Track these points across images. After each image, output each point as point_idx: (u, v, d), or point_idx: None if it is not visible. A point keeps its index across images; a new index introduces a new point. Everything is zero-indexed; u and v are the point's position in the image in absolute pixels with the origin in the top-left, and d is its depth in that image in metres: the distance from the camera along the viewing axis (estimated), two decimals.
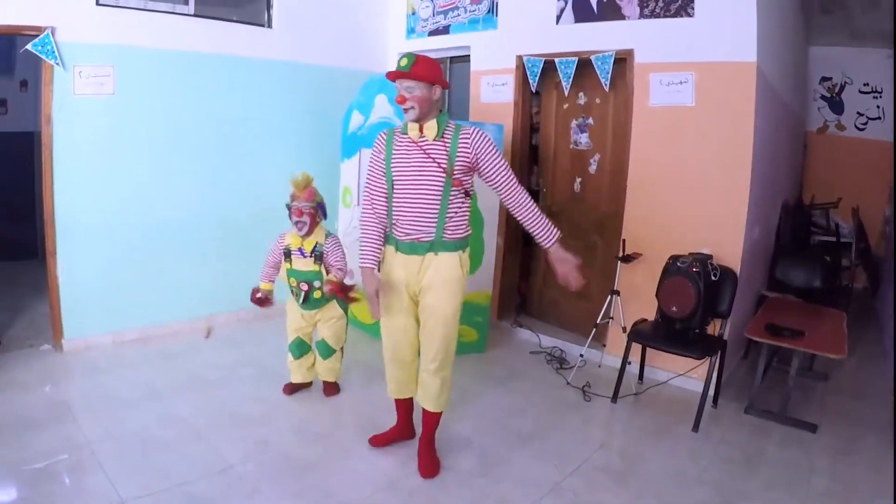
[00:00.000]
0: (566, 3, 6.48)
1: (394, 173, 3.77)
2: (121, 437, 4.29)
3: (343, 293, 4.53)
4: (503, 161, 3.80)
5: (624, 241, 6.03)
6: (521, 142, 7.12)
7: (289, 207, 4.72)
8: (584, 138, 6.72)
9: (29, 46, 5.37)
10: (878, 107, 10.37)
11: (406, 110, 3.65)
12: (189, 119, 6.43)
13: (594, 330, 5.93)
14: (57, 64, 5.50)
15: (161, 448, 4.18)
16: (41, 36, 5.38)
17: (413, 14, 8.06)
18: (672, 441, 4.79)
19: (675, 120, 5.80)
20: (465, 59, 7.61)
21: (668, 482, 4.16)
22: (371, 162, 3.91)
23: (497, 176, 3.78)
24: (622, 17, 6.09)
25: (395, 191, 3.78)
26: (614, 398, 5.47)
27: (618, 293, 5.90)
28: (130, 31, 5.96)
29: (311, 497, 3.78)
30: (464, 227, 3.95)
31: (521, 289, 7.62)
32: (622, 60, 6.09)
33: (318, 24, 7.47)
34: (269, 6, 7.08)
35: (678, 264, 5.28)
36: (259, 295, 4.87)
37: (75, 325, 5.89)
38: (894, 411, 2.78)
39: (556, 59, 6.46)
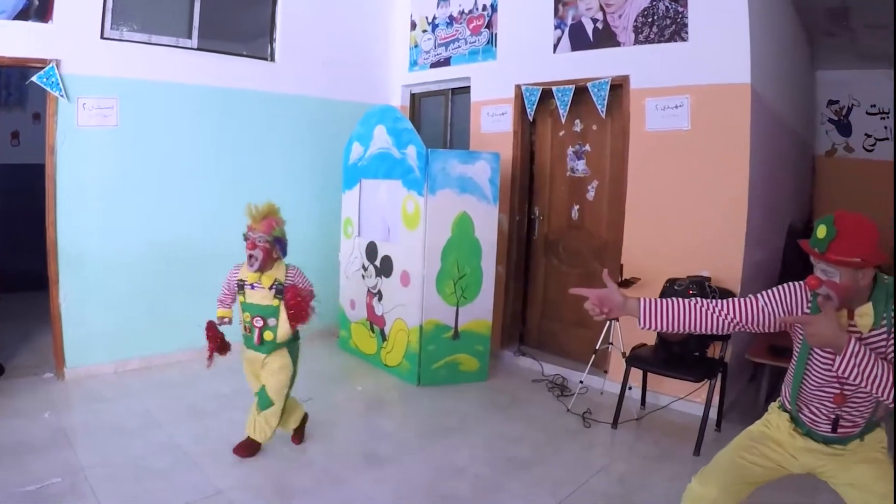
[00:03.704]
0: (563, 32, 6.56)
1: None
2: (116, 463, 4.31)
3: (297, 299, 4.39)
4: None
5: (622, 265, 6.05)
6: (521, 170, 7.15)
7: (245, 238, 4.38)
8: (580, 165, 6.75)
9: (34, 78, 5.49)
10: (885, 127, 10.30)
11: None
12: (192, 151, 6.52)
13: (594, 356, 5.91)
14: (61, 96, 5.60)
15: (154, 475, 4.19)
16: (46, 68, 5.50)
17: (416, 47, 8.16)
18: (673, 465, 4.73)
19: (672, 144, 5.83)
20: (466, 90, 7.68)
21: None
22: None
23: None
24: (618, 44, 6.16)
25: None
26: (615, 424, 5.43)
27: (617, 319, 5.87)
28: (134, 64, 6.08)
29: None
30: None
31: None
32: (618, 87, 6.15)
33: (321, 58, 7.56)
34: (272, 40, 7.18)
35: (675, 287, 5.28)
36: (218, 324, 4.54)
37: (78, 353, 5.94)
38: (894, 419, 2.76)
39: (554, 87, 6.52)
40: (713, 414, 5.22)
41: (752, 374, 6.48)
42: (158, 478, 4.16)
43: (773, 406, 3.08)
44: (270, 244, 4.37)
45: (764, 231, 6.28)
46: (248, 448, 4.55)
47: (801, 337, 2.78)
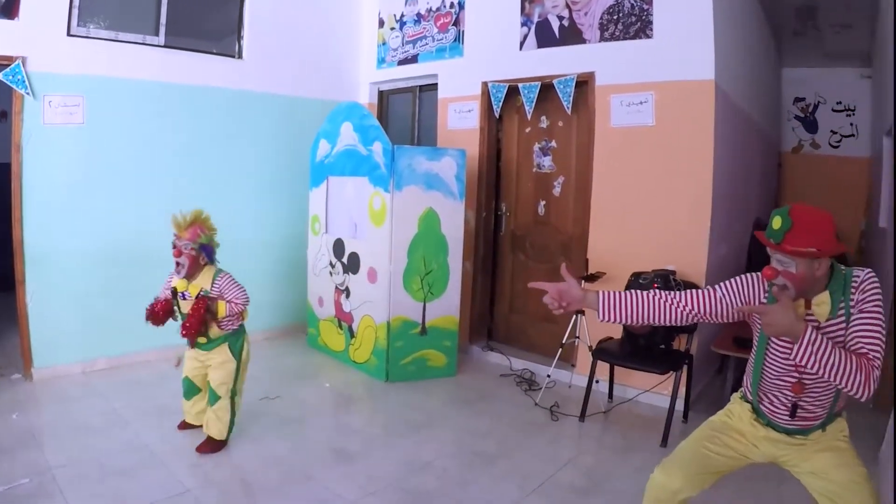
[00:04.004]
0: (529, 30, 6.59)
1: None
2: (83, 463, 4.28)
3: (199, 309, 4.32)
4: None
5: (587, 260, 6.11)
6: (488, 167, 7.18)
7: (173, 246, 4.38)
8: (547, 161, 6.79)
9: (0, 76, 5.44)
10: (851, 124, 10.46)
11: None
12: (160, 149, 6.47)
13: (560, 350, 5.95)
14: (27, 93, 5.55)
15: (121, 474, 4.16)
16: (12, 65, 5.45)
17: (383, 44, 8.16)
18: (640, 456, 4.77)
19: (637, 140, 5.89)
20: (434, 87, 7.71)
21: (635, 497, 4.09)
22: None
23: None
24: (583, 42, 6.20)
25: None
26: (582, 417, 5.47)
27: (583, 312, 5.91)
28: (101, 61, 6.03)
29: None
30: None
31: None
32: (584, 83, 6.20)
33: (289, 55, 7.55)
34: (239, 37, 7.16)
35: (640, 281, 5.33)
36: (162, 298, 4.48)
37: (45, 354, 5.89)
38: (894, 413, 2.77)
39: (520, 84, 6.56)
40: (680, 406, 5.27)
41: (720, 366, 6.54)
42: (126, 477, 4.13)
43: (736, 396, 3.12)
44: (196, 251, 4.38)
45: (729, 226, 6.35)
46: (209, 445, 4.57)
47: (759, 327, 2.82)
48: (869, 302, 2.55)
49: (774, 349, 2.77)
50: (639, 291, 2.88)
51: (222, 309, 4.41)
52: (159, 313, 4.42)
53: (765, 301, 2.73)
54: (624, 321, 2.87)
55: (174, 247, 4.36)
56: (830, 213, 2.58)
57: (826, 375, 2.42)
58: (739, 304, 2.78)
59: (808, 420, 2.79)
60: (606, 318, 2.85)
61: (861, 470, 2.72)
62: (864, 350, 2.48)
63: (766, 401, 2.87)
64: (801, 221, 2.52)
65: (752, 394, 2.94)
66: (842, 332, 2.59)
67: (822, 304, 2.62)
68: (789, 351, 2.55)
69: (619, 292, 2.87)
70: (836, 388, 2.69)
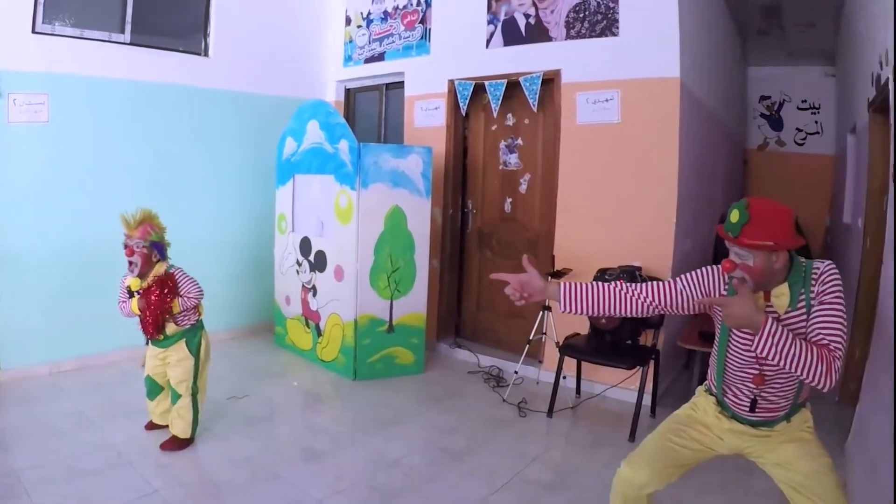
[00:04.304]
0: (496, 28, 6.60)
1: None
2: (50, 464, 4.22)
3: (156, 295, 4.31)
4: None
5: (554, 256, 6.14)
6: (454, 164, 7.20)
7: (124, 246, 4.36)
8: (513, 158, 6.81)
9: None
10: (816, 122, 10.59)
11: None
12: (126, 147, 6.40)
13: (527, 346, 5.96)
14: None
15: (88, 475, 4.12)
16: None
17: (350, 42, 8.15)
18: (608, 451, 4.79)
19: (603, 137, 5.92)
20: (400, 85, 7.70)
21: (603, 492, 4.10)
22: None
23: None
24: (549, 39, 6.22)
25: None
26: (550, 413, 5.49)
27: (549, 309, 5.94)
28: (66, 59, 5.95)
29: None
30: None
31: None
32: (550, 81, 6.22)
33: (256, 53, 7.50)
34: (206, 35, 7.10)
35: (606, 277, 5.36)
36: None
37: (12, 355, 5.80)
38: (894, 412, 2.79)
39: (486, 82, 6.57)
40: (647, 401, 5.31)
41: (686, 360, 6.58)
42: (93, 478, 4.09)
43: (700, 390, 3.14)
44: (148, 249, 4.36)
45: (695, 222, 6.39)
46: (174, 443, 4.56)
47: (720, 320, 2.83)
48: (829, 293, 2.56)
49: (736, 341, 2.79)
50: (601, 283, 2.89)
51: (176, 305, 4.40)
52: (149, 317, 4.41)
53: (725, 293, 2.75)
54: (585, 312, 2.88)
55: (125, 246, 4.34)
56: (789, 207, 2.59)
57: (786, 366, 2.44)
58: (700, 296, 2.81)
59: (771, 411, 2.80)
60: (568, 310, 2.86)
61: (826, 460, 2.74)
62: (826, 341, 2.49)
63: (730, 393, 2.89)
64: (759, 215, 2.53)
65: (716, 386, 2.96)
66: (802, 324, 2.61)
67: (781, 295, 2.63)
68: (750, 343, 2.58)
69: (581, 283, 2.88)
70: (798, 380, 2.70)
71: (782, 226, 2.55)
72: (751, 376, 2.76)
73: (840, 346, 2.49)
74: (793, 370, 2.44)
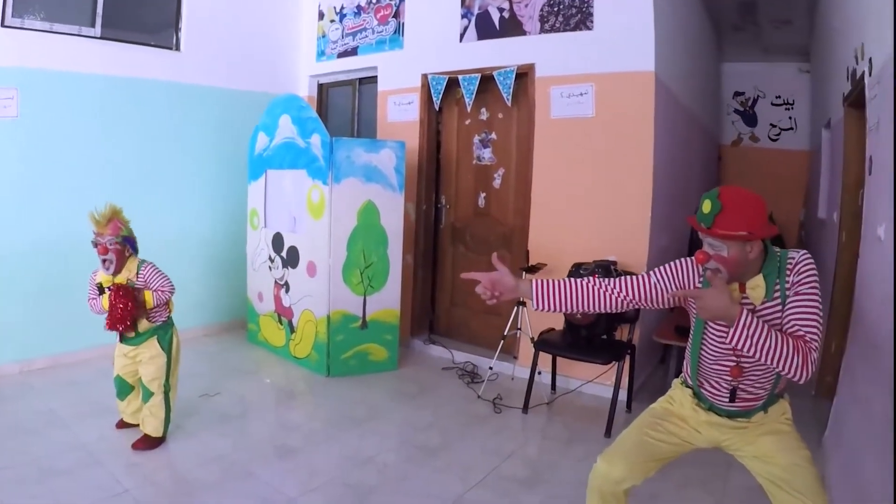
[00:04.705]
0: (469, 22, 6.57)
1: None
2: (20, 464, 4.16)
3: (119, 296, 4.21)
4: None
5: (528, 251, 6.12)
6: (428, 159, 7.18)
7: (95, 245, 4.28)
8: (487, 153, 6.79)
9: None
10: (790, 118, 10.67)
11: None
12: (96, 142, 6.31)
13: (502, 342, 5.94)
14: None
15: (60, 474, 4.06)
16: None
17: (323, 36, 8.09)
18: (583, 447, 4.79)
19: (577, 131, 5.91)
20: (374, 79, 7.67)
21: (579, 487, 4.08)
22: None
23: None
24: (523, 33, 6.21)
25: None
26: (525, 409, 5.47)
27: (524, 304, 5.92)
28: (35, 53, 5.86)
29: None
30: None
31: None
32: (524, 75, 6.21)
33: (228, 48, 7.44)
34: (177, 29, 7.02)
35: (581, 271, 5.34)
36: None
37: None
38: (894, 411, 2.78)
39: (460, 76, 6.55)
40: (623, 396, 5.30)
41: (662, 355, 6.59)
42: (64, 478, 4.03)
43: (676, 382, 3.12)
44: (121, 244, 4.30)
45: (669, 216, 6.39)
46: (145, 442, 4.50)
47: (695, 312, 2.79)
48: (804, 284, 2.54)
49: (711, 333, 2.77)
50: (573, 279, 2.86)
51: (149, 299, 4.33)
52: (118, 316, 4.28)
53: (699, 286, 2.73)
54: (559, 310, 2.85)
55: (97, 245, 4.26)
56: (760, 196, 2.57)
57: (763, 359, 2.41)
58: (674, 289, 2.78)
59: (748, 402, 2.79)
60: (540, 307, 2.83)
61: (805, 453, 2.72)
62: (802, 332, 2.47)
63: (707, 385, 2.87)
64: (731, 204, 2.49)
65: (692, 378, 2.94)
66: (778, 315, 2.59)
67: (756, 287, 2.60)
68: (725, 334, 2.54)
69: (554, 280, 2.85)
70: (776, 374, 2.69)
71: (755, 214, 2.52)
72: (727, 368, 2.74)
73: (816, 337, 2.47)
74: (769, 362, 2.42)
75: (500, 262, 2.85)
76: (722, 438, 2.90)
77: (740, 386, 2.75)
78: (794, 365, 2.39)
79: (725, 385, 2.79)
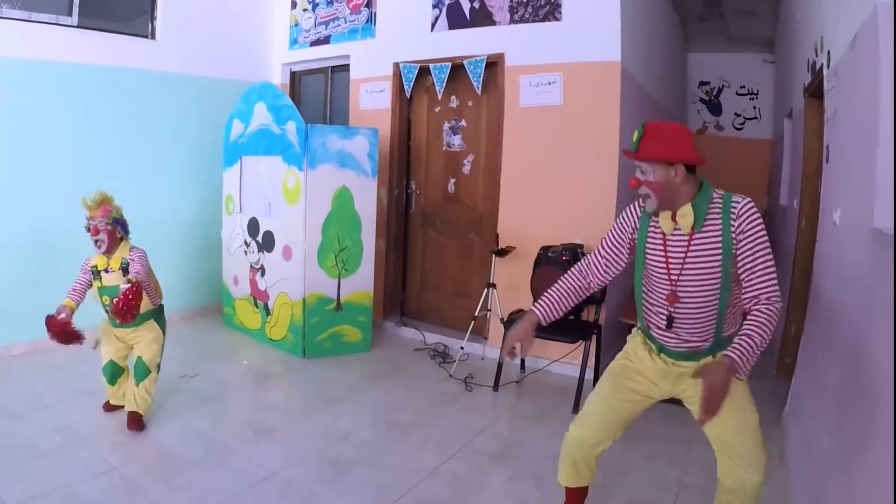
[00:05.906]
0: (441, 11, 6.70)
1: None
2: (5, 447, 4.22)
3: (127, 298, 4.26)
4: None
5: (497, 235, 6.27)
6: (399, 146, 7.30)
7: (88, 229, 4.44)
8: (456, 140, 6.93)
9: None
10: (754, 107, 10.88)
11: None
12: (74, 131, 6.35)
13: (472, 323, 6.11)
14: None
15: (46, 455, 4.13)
16: None
17: (296, 25, 8.17)
18: (552, 423, 4.94)
19: (545, 119, 6.07)
20: (346, 68, 7.77)
21: (548, 461, 4.22)
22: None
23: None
24: (493, 23, 6.34)
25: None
26: (495, 387, 5.63)
27: (494, 286, 6.06)
28: (12, 42, 5.87)
29: (192, 492, 3.81)
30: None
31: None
32: (493, 64, 6.35)
33: (202, 36, 7.49)
34: (153, 17, 7.06)
35: (549, 254, 5.50)
36: (62, 316, 4.28)
37: None
38: (895, 409, 2.94)
39: (431, 65, 6.68)
40: (590, 375, 5.41)
41: (628, 335, 6.70)
42: (50, 458, 4.10)
43: (630, 335, 3.29)
44: (112, 225, 4.44)
45: (634, 201, 6.53)
46: (139, 421, 4.58)
47: (633, 257, 3.04)
48: (754, 235, 2.69)
49: (650, 270, 2.96)
50: (561, 286, 3.13)
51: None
52: (60, 335, 4.30)
53: (639, 220, 3.00)
54: (561, 316, 3.13)
55: (89, 228, 4.40)
56: (686, 126, 2.87)
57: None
58: (627, 241, 3.06)
59: (693, 343, 2.91)
60: (551, 321, 3.11)
61: (753, 416, 2.86)
62: (766, 294, 2.63)
63: (652, 323, 3.01)
64: (654, 131, 2.77)
65: (639, 319, 3.14)
66: (715, 249, 2.75)
67: (685, 216, 2.76)
68: (663, 269, 2.84)
69: (549, 300, 3.11)
70: (717, 311, 2.83)
71: (677, 140, 2.75)
72: (664, 296, 2.90)
73: (776, 289, 2.64)
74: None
75: (512, 354, 3.13)
76: (678, 389, 3.05)
77: (676, 314, 2.89)
78: (772, 332, 2.60)
79: (664, 313, 2.93)
